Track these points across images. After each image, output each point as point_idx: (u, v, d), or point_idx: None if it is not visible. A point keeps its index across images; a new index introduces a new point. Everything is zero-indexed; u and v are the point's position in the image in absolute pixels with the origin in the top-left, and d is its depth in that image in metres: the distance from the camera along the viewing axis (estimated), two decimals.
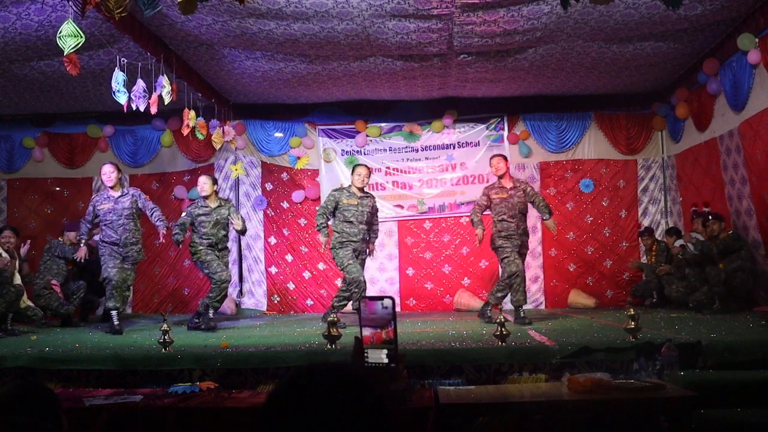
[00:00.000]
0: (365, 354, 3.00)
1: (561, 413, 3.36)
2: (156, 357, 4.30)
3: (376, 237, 6.64)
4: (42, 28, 5.65)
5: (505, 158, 6.48)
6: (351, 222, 6.26)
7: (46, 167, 9.06)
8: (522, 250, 6.24)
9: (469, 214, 8.80)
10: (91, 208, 6.26)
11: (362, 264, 6.38)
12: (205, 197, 6.39)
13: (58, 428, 1.72)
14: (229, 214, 6.38)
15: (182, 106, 6.99)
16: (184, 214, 6.50)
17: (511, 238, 6.15)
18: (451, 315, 7.66)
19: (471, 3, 5.42)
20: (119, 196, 6.20)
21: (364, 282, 6.19)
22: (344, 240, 6.27)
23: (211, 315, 6.19)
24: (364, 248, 6.41)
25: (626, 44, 6.57)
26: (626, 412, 3.35)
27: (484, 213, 6.41)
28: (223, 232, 6.40)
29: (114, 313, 6.03)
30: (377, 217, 6.63)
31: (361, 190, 6.39)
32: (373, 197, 6.56)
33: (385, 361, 2.96)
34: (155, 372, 4.23)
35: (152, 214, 6.25)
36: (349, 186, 6.44)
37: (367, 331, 3.01)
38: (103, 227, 6.19)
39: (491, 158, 6.47)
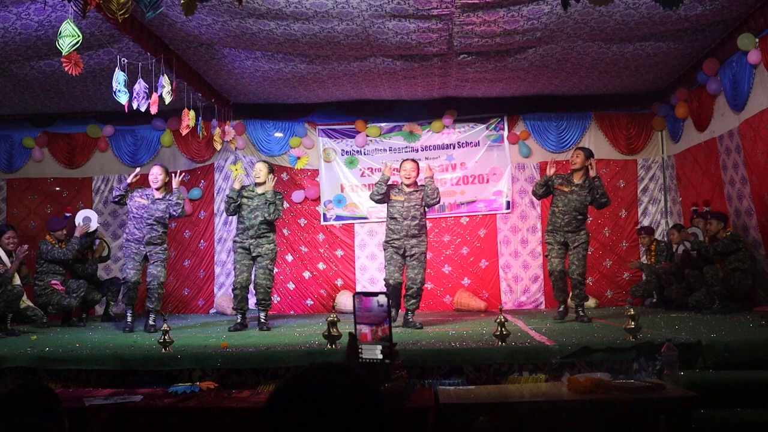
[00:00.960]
0: (360, 350, 2.99)
1: (561, 413, 3.37)
2: (156, 357, 4.30)
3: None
4: (42, 28, 5.65)
5: (587, 155, 6.18)
6: (395, 219, 6.10)
7: (46, 167, 9.06)
8: (569, 248, 6.12)
9: (469, 213, 8.86)
10: (131, 195, 6.28)
11: (417, 261, 6.06)
12: (257, 183, 6.29)
13: (59, 428, 1.72)
14: (272, 202, 6.20)
15: (182, 106, 6.99)
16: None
17: (555, 233, 6.13)
18: (451, 315, 7.67)
19: (471, 3, 5.42)
20: (158, 198, 6.27)
21: (393, 284, 6.03)
22: (388, 239, 6.13)
23: (262, 318, 6.16)
24: (413, 244, 6.07)
25: (626, 44, 6.57)
26: (626, 412, 3.36)
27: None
28: (261, 219, 6.17)
29: (129, 311, 6.20)
30: (434, 195, 6.15)
31: (412, 185, 6.14)
32: (428, 187, 6.13)
33: (380, 357, 2.95)
34: (155, 372, 4.23)
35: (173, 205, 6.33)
36: (400, 184, 6.25)
37: (364, 329, 3.00)
38: (129, 221, 6.29)
39: (575, 150, 6.35)
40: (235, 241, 6.28)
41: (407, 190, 6.15)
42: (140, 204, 6.23)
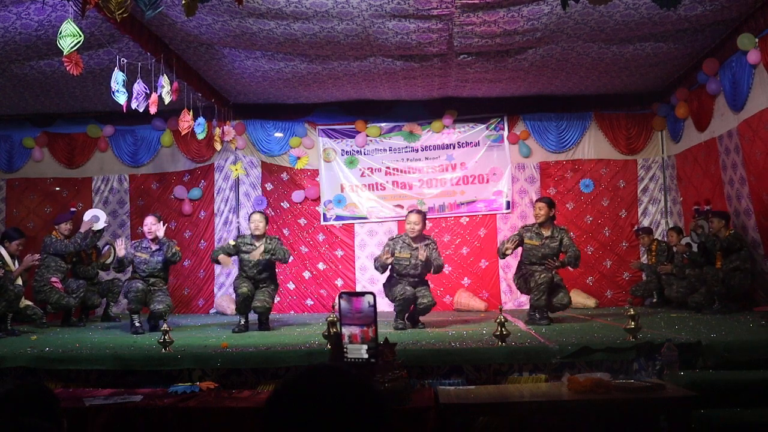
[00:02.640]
0: (345, 350, 2.97)
1: (561, 413, 3.37)
2: (156, 357, 4.30)
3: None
4: (42, 28, 5.65)
5: (550, 205, 6.09)
6: (402, 275, 6.03)
7: (46, 167, 9.06)
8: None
9: (469, 213, 8.86)
10: (131, 252, 6.30)
11: (426, 288, 6.09)
12: (256, 236, 6.24)
13: (57, 428, 1.72)
14: (272, 251, 6.20)
15: (182, 106, 6.99)
16: (232, 242, 6.36)
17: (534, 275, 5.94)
18: (451, 315, 7.66)
19: (471, 3, 5.42)
20: (156, 250, 6.32)
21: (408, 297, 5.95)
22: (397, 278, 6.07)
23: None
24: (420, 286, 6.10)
25: (626, 44, 6.57)
26: (626, 412, 3.36)
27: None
28: (266, 275, 6.28)
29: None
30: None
31: (417, 238, 6.07)
32: (429, 243, 6.14)
33: (365, 356, 2.93)
34: (155, 372, 4.23)
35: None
36: (404, 235, 6.15)
37: (355, 330, 2.97)
38: (135, 270, 6.34)
39: (536, 202, 6.14)
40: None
41: (413, 244, 6.02)
42: (141, 259, 6.27)
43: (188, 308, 8.77)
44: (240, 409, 3.39)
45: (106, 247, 7.73)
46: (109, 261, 7.77)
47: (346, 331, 2.92)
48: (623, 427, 3.44)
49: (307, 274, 8.85)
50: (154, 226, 6.28)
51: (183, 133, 7.08)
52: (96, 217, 7.29)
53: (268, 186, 8.96)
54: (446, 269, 8.71)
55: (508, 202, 8.73)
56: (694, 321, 5.64)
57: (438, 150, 8.90)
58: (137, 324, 6.01)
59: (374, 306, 2.91)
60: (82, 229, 7.07)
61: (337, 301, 2.90)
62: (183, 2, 3.98)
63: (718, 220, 6.56)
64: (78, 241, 6.96)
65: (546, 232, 6.06)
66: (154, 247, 6.29)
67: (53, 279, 6.84)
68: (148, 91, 5.83)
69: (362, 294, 2.95)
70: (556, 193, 8.71)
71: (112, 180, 9.06)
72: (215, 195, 8.92)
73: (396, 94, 8.27)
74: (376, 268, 6.13)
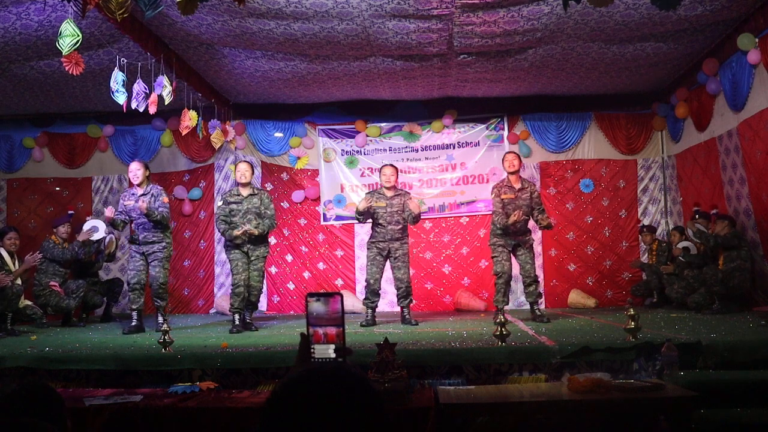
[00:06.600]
0: (312, 350, 2.98)
1: (561, 413, 3.37)
2: (156, 357, 4.30)
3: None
4: (42, 28, 5.65)
5: (520, 157, 6.59)
6: (380, 224, 6.32)
7: (46, 167, 9.06)
8: (518, 250, 6.30)
9: (469, 213, 8.86)
10: (121, 204, 6.26)
11: (402, 262, 6.31)
12: (242, 184, 6.28)
13: (61, 429, 1.72)
14: (260, 204, 6.25)
15: (182, 106, 6.99)
16: (221, 203, 6.30)
17: (507, 237, 6.25)
18: (451, 315, 7.66)
19: (471, 3, 5.42)
20: (141, 194, 6.18)
21: (374, 287, 6.35)
22: (373, 240, 6.42)
23: (237, 320, 6.02)
24: (396, 246, 6.32)
25: (626, 45, 6.57)
26: (626, 412, 3.36)
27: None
28: (255, 222, 6.18)
29: (134, 313, 6.13)
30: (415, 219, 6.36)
31: (391, 189, 6.38)
32: (402, 194, 6.44)
33: (333, 355, 2.96)
34: (155, 372, 4.23)
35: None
36: (380, 188, 6.47)
37: (330, 330, 2.98)
38: (132, 223, 6.31)
39: (507, 154, 6.50)
40: (227, 246, 6.28)
41: (388, 194, 6.35)
42: (130, 206, 6.18)
43: (188, 308, 8.78)
44: (240, 409, 3.38)
45: (109, 237, 7.72)
46: (113, 250, 7.79)
47: (322, 331, 2.94)
48: (623, 427, 3.44)
49: (307, 274, 8.85)
50: (139, 171, 6.19)
51: (183, 134, 7.10)
52: (95, 228, 7.34)
53: (268, 186, 8.95)
54: (446, 269, 8.74)
55: None
56: (694, 321, 5.64)
57: (438, 150, 8.90)
58: (135, 322, 6.02)
59: (342, 306, 2.96)
60: (81, 239, 7.10)
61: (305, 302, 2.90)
62: (178, 1, 3.98)
63: (721, 223, 6.56)
64: (75, 250, 7.04)
65: (516, 185, 6.33)
66: (140, 192, 6.18)
67: (52, 283, 6.86)
68: (147, 91, 5.84)
69: (331, 294, 2.98)
70: (556, 193, 8.72)
71: (112, 180, 9.07)
72: (215, 195, 8.91)
73: (396, 94, 8.27)
74: (356, 218, 6.51)
